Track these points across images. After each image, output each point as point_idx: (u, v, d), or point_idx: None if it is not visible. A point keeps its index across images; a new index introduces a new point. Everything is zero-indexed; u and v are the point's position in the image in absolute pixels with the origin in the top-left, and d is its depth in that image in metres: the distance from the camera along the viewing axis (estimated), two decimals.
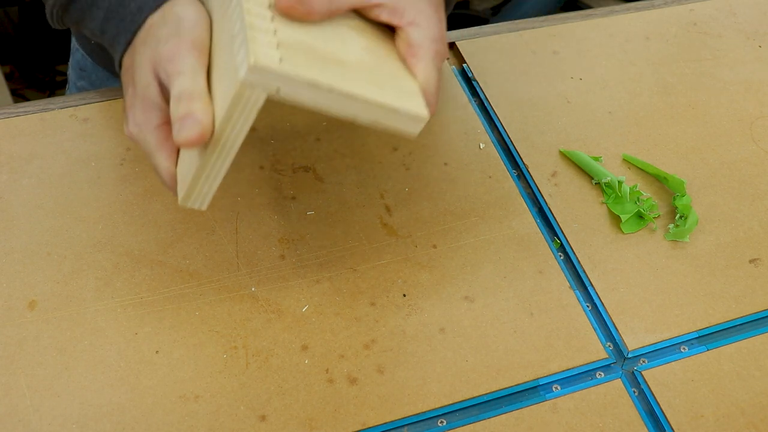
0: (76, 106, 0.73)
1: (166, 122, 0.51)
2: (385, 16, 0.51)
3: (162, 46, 0.50)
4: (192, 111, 0.47)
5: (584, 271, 0.68)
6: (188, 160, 0.51)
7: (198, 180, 0.50)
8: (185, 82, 0.48)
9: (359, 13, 0.53)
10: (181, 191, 0.51)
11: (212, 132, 0.47)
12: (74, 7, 0.57)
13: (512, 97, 0.80)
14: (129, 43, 0.54)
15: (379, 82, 0.49)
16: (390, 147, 0.73)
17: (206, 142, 0.47)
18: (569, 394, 0.61)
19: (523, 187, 0.73)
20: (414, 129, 0.49)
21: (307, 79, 0.45)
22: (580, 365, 0.62)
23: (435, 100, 0.51)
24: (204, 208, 0.52)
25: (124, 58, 0.54)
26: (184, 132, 0.46)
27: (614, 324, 0.65)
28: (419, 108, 0.49)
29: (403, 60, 0.52)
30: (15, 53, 1.99)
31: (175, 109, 0.47)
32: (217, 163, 0.49)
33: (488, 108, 0.79)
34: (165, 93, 0.51)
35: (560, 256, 0.69)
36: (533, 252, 0.68)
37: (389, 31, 0.53)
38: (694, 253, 0.70)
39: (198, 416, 0.57)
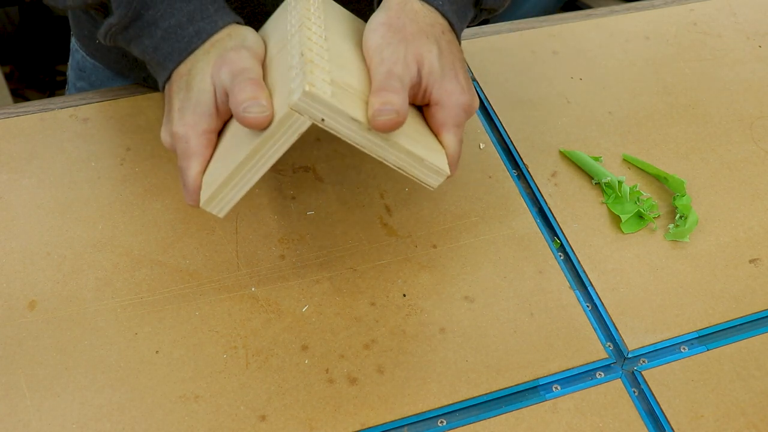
0: (76, 106, 0.73)
1: (213, 131, 0.55)
2: (418, 100, 0.57)
3: (229, 52, 0.54)
4: (258, 97, 0.50)
5: (584, 271, 0.68)
6: (218, 166, 0.54)
7: (225, 186, 0.52)
8: (251, 73, 0.52)
9: None
10: (205, 194, 0.54)
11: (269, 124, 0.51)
12: (135, 25, 0.59)
13: (512, 97, 0.80)
14: (181, 61, 0.57)
15: (411, 135, 0.54)
16: None
17: (265, 127, 0.50)
18: (569, 394, 0.61)
19: (523, 187, 0.73)
20: (434, 182, 0.55)
21: (351, 115, 0.49)
22: (580, 365, 0.62)
23: (456, 165, 0.57)
24: (222, 215, 0.54)
25: (177, 69, 0.57)
26: (251, 112, 0.50)
27: (614, 324, 0.65)
28: (443, 164, 0.55)
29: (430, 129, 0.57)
30: (15, 53, 1.99)
31: (241, 92, 0.51)
32: (248, 175, 0.52)
33: (488, 108, 0.79)
34: (218, 104, 0.54)
35: (560, 256, 0.69)
36: (533, 252, 0.68)
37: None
38: (694, 253, 0.70)
39: (198, 416, 0.57)
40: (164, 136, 0.56)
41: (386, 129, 0.51)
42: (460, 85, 0.56)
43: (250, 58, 0.54)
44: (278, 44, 0.55)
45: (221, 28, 0.56)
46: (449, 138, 0.56)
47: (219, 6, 0.57)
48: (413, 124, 0.56)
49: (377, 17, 0.56)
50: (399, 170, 0.54)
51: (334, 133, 0.50)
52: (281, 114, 0.49)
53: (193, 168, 0.54)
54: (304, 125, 0.49)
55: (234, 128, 0.54)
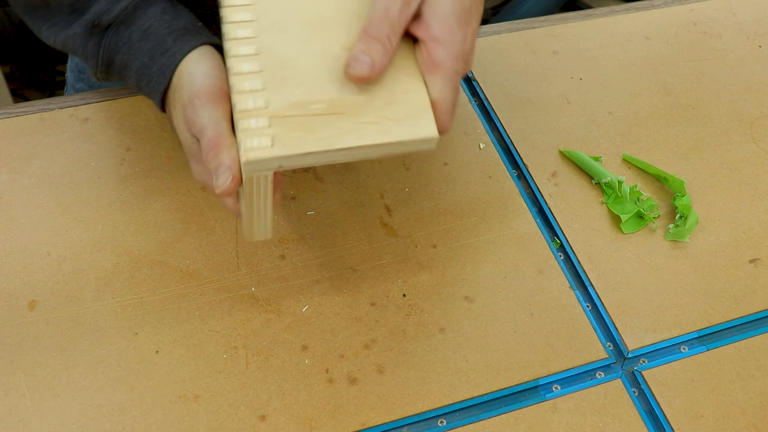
0: (76, 106, 0.73)
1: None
2: (411, 27, 0.50)
3: (186, 109, 0.52)
4: (221, 161, 0.49)
5: (584, 271, 0.68)
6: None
7: (251, 223, 0.53)
8: (208, 133, 0.51)
9: None
10: (245, 229, 0.55)
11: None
12: (112, 70, 0.61)
13: (512, 97, 0.80)
14: (162, 100, 0.57)
15: (384, 111, 0.49)
16: None
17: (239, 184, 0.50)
18: (569, 394, 0.61)
19: (523, 187, 0.73)
20: (428, 147, 0.50)
21: (301, 152, 0.47)
22: (580, 365, 0.62)
23: (450, 118, 0.50)
24: (269, 237, 0.55)
25: (167, 113, 0.58)
26: (220, 183, 0.49)
27: (614, 324, 0.65)
28: (428, 130, 0.49)
29: (421, 72, 0.51)
30: (15, 53, 1.99)
31: (209, 165, 0.50)
32: (260, 210, 0.52)
33: (488, 108, 0.79)
34: None
35: (560, 256, 0.69)
36: (533, 252, 0.68)
37: (410, 38, 0.53)
38: (694, 253, 0.70)
39: (198, 416, 0.57)
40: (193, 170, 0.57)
41: (355, 81, 0.48)
42: (465, 33, 0.50)
43: (202, 105, 0.51)
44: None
45: (180, 60, 0.55)
46: (441, 84, 0.49)
47: (177, 35, 0.57)
48: (390, 79, 0.50)
49: None
50: (389, 155, 0.50)
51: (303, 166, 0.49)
52: (244, 176, 0.49)
53: (227, 203, 0.54)
54: (269, 176, 0.49)
55: None
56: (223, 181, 0.49)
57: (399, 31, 0.49)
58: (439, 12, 0.49)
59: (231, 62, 0.49)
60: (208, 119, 0.51)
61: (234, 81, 0.48)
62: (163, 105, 0.58)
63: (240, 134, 0.47)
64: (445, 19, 0.49)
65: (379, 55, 0.48)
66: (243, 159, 0.46)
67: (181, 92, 0.54)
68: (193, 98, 0.52)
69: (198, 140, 0.52)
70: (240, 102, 0.48)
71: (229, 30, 0.50)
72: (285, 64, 0.49)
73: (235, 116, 0.48)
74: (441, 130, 0.49)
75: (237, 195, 0.54)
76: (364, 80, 0.48)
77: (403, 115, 0.49)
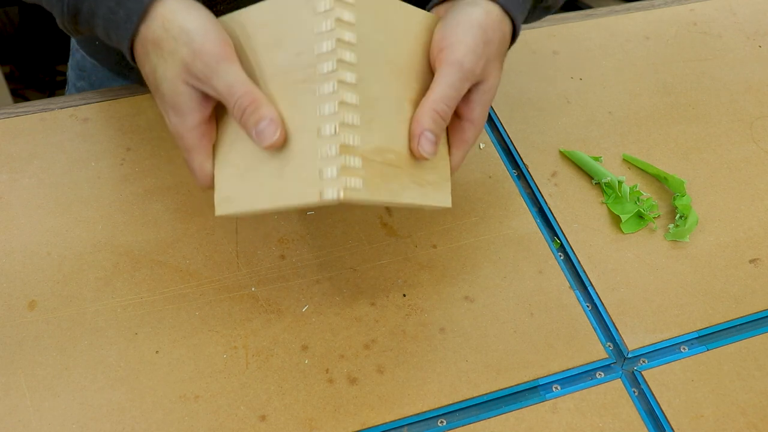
0: (76, 106, 0.73)
1: (201, 122, 0.53)
2: (461, 108, 0.55)
3: (195, 65, 0.50)
4: (262, 115, 0.50)
5: (584, 271, 0.68)
6: (239, 164, 0.53)
7: (241, 208, 0.54)
8: (239, 90, 0.50)
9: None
10: (222, 196, 0.54)
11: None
12: (80, 19, 0.58)
13: (512, 97, 0.80)
14: (131, 48, 0.54)
15: (425, 174, 0.54)
16: None
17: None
18: (569, 394, 0.61)
19: (523, 187, 0.73)
20: (440, 207, 0.55)
21: (377, 200, 0.49)
22: (580, 365, 0.62)
23: (456, 170, 0.57)
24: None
25: (137, 60, 0.55)
26: (266, 138, 0.50)
27: (614, 324, 0.65)
28: (447, 200, 0.55)
29: (448, 140, 0.57)
30: (15, 53, 1.99)
31: (247, 121, 0.50)
32: (266, 210, 0.53)
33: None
34: (200, 96, 0.52)
35: (560, 256, 0.69)
36: (533, 252, 0.68)
37: None
38: (694, 253, 0.70)
39: (198, 416, 0.57)
40: (170, 130, 0.56)
41: (421, 157, 0.52)
42: (486, 114, 0.57)
43: (221, 64, 0.50)
44: (293, 60, 0.50)
45: (149, 4, 0.52)
46: (460, 157, 0.56)
47: None
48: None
49: (475, 13, 0.54)
50: (408, 208, 0.54)
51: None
52: (305, 198, 0.48)
53: (195, 160, 0.54)
54: (326, 204, 0.48)
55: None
56: (271, 133, 0.49)
57: (454, 105, 0.53)
58: (483, 100, 0.55)
59: (336, 87, 0.47)
60: (234, 77, 0.50)
61: (339, 109, 0.47)
62: (132, 54, 0.55)
63: (340, 171, 0.47)
64: (485, 106, 0.56)
65: (440, 131, 0.53)
66: (339, 195, 0.47)
67: (171, 44, 0.51)
68: (203, 54, 0.50)
69: (193, 89, 0.52)
70: (344, 137, 0.47)
71: (336, 50, 0.48)
72: (373, 103, 0.50)
73: (331, 149, 0.47)
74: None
75: (206, 155, 0.54)
76: (429, 154, 0.52)
77: (435, 180, 0.54)
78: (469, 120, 0.55)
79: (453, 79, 0.52)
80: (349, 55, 0.48)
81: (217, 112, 0.55)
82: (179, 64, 0.51)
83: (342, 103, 0.47)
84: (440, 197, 0.54)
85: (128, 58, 0.56)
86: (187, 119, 0.53)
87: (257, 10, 0.52)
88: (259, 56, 0.52)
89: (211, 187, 0.55)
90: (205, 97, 0.53)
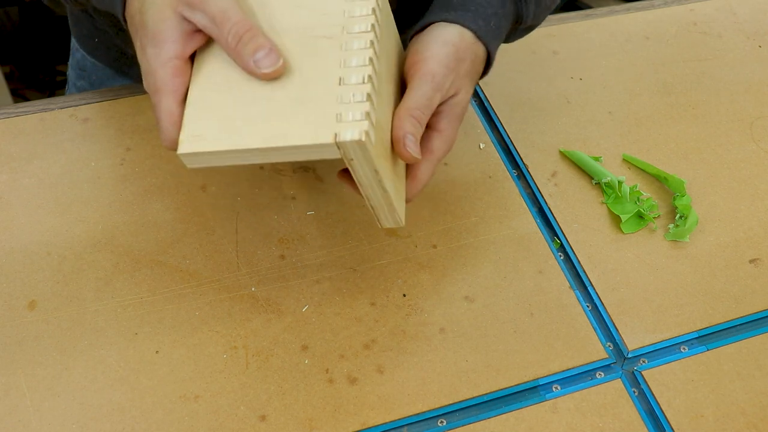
0: (76, 106, 0.73)
1: (178, 57, 0.50)
2: (430, 119, 0.56)
3: None
4: (261, 44, 0.48)
5: (584, 271, 0.68)
6: (221, 103, 0.50)
7: (217, 155, 0.49)
8: (234, 16, 0.48)
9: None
10: (190, 135, 0.49)
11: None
12: None
13: (512, 97, 0.80)
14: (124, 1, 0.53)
15: (393, 175, 0.54)
16: None
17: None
18: (569, 394, 0.61)
19: (523, 187, 0.73)
20: (386, 225, 0.56)
21: (375, 167, 0.49)
22: (580, 365, 0.62)
23: (418, 194, 0.57)
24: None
25: (127, 10, 0.53)
26: (266, 64, 0.48)
27: (614, 324, 0.65)
28: (400, 217, 0.55)
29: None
30: (15, 53, 1.99)
31: (243, 49, 0.48)
32: (248, 158, 0.50)
33: (488, 108, 0.79)
34: (185, 29, 0.50)
35: (560, 256, 0.69)
36: (533, 252, 0.68)
37: None
38: (694, 253, 0.70)
39: (198, 416, 0.57)
40: (143, 83, 0.52)
41: (409, 158, 0.52)
42: (456, 128, 0.57)
43: None
44: (318, 18, 0.52)
45: None
46: (428, 168, 0.56)
47: None
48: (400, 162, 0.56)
49: (449, 34, 0.56)
50: (366, 201, 0.53)
51: (350, 170, 0.50)
52: (316, 139, 0.47)
53: (163, 102, 0.49)
54: (332, 155, 0.48)
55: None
56: (273, 61, 0.48)
57: (429, 115, 0.54)
58: (453, 113, 0.56)
59: (368, 44, 0.50)
60: (229, 2, 0.49)
61: (368, 63, 0.49)
62: (124, 7, 0.54)
63: (367, 108, 0.48)
64: (454, 120, 0.56)
65: (419, 136, 0.53)
66: (360, 137, 0.46)
67: None
68: None
69: (176, 19, 0.50)
70: (370, 87, 0.49)
71: (369, 17, 0.51)
72: (381, 81, 0.52)
73: (355, 95, 0.48)
74: (408, 199, 0.57)
75: (177, 99, 0.50)
76: (411, 158, 0.53)
77: (400, 192, 0.55)
78: (438, 130, 0.56)
79: (426, 89, 0.53)
80: (377, 28, 0.51)
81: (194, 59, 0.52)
82: None
83: (371, 59, 0.49)
84: (400, 210, 0.55)
85: (119, 11, 0.53)
86: (164, 49, 0.49)
87: None
88: (269, 10, 0.52)
89: (176, 143, 0.49)
90: (190, 33, 0.50)
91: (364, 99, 0.48)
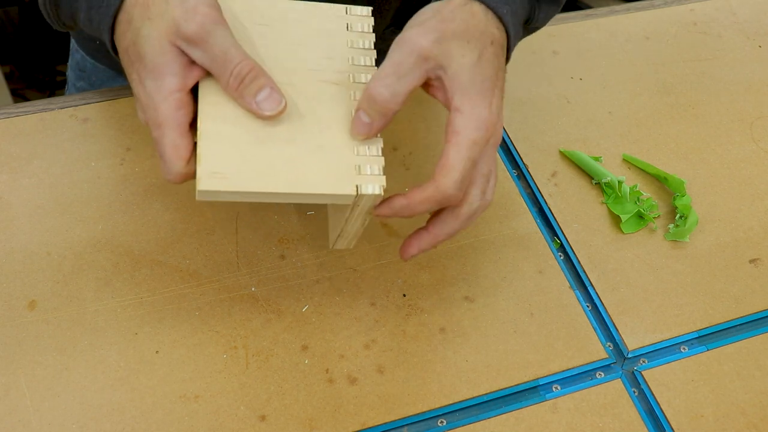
0: (76, 106, 0.73)
1: (180, 89, 0.49)
2: (439, 96, 0.52)
3: (184, 25, 0.48)
4: (263, 84, 0.48)
5: (584, 271, 0.68)
6: (237, 139, 0.50)
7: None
8: (236, 56, 0.48)
9: None
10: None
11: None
12: (63, 2, 0.56)
13: (512, 97, 0.80)
14: (112, 27, 0.52)
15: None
16: (390, 147, 0.73)
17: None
18: (569, 394, 0.61)
19: (523, 187, 0.73)
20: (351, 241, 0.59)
21: (369, 214, 0.53)
22: (580, 365, 0.62)
23: (459, 186, 0.50)
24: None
25: (117, 40, 0.52)
26: (268, 108, 0.48)
27: (614, 324, 0.65)
28: (350, 245, 0.58)
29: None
30: (15, 53, 1.99)
31: (245, 89, 0.48)
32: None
33: None
34: (184, 62, 0.49)
35: (560, 256, 0.69)
36: (533, 252, 0.68)
37: None
38: (694, 253, 0.70)
39: (198, 416, 0.57)
40: (139, 114, 0.51)
41: (355, 135, 0.51)
42: (488, 102, 0.51)
43: (219, 29, 0.48)
44: (322, 62, 0.52)
45: None
46: (454, 152, 0.50)
47: None
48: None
49: (434, 3, 0.52)
50: (335, 227, 0.56)
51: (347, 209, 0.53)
52: (340, 189, 0.49)
53: (167, 136, 0.48)
54: (346, 201, 0.50)
55: None
56: (276, 102, 0.49)
57: (404, 90, 0.50)
58: (460, 83, 0.50)
59: None
60: (230, 42, 0.48)
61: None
62: (112, 36, 0.52)
63: (382, 171, 0.50)
64: (466, 90, 0.50)
65: (375, 115, 0.50)
66: (382, 193, 0.50)
67: (165, 6, 0.49)
68: (198, 14, 0.48)
69: (175, 53, 0.49)
70: (382, 141, 0.52)
71: (372, 67, 0.54)
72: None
73: (371, 149, 0.51)
74: (454, 201, 0.52)
75: (180, 131, 0.49)
76: (361, 134, 0.51)
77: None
78: (453, 109, 0.51)
79: (395, 57, 0.49)
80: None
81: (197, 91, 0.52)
82: (169, 23, 0.48)
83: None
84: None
85: (107, 38, 0.52)
86: (165, 83, 0.48)
87: (287, 3, 0.55)
88: (271, 48, 0.52)
89: (182, 176, 0.49)
90: (189, 66, 0.49)
91: (379, 153, 0.51)
